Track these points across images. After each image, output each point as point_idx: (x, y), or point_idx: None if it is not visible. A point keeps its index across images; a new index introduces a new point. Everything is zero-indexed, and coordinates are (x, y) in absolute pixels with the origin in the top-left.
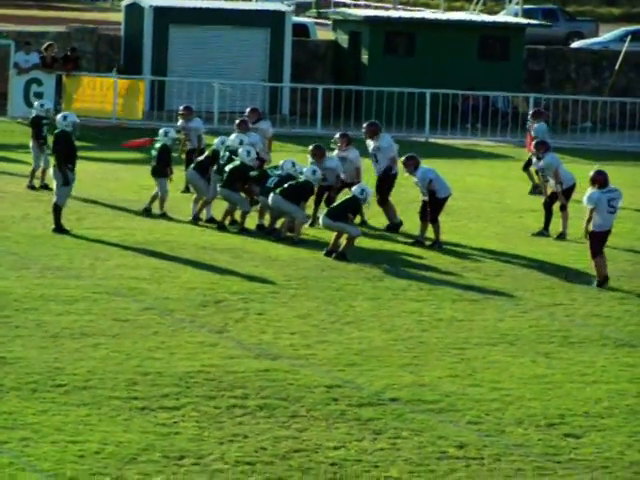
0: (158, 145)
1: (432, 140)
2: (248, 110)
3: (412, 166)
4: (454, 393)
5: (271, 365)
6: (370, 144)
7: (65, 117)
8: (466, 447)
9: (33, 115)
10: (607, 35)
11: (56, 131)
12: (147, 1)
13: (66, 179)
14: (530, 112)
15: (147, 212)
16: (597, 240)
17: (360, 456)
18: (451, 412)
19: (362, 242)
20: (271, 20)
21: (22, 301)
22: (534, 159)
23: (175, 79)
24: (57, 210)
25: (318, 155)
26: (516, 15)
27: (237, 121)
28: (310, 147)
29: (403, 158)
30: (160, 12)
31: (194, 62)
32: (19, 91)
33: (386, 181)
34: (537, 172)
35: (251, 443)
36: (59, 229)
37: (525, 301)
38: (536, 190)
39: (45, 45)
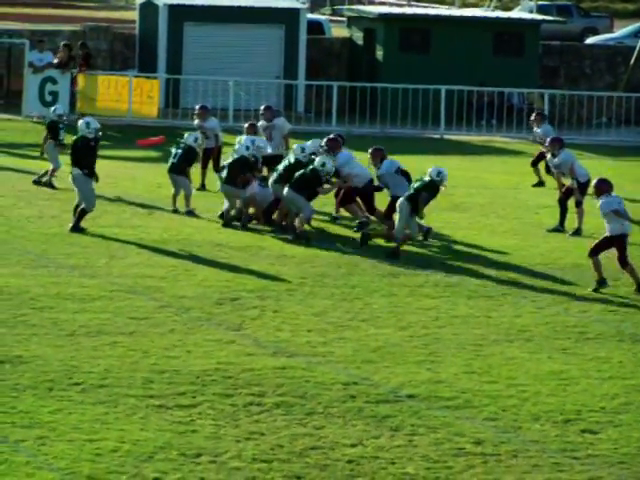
0: (184, 145)
1: (447, 137)
2: (262, 108)
3: (378, 158)
4: (471, 390)
5: (288, 362)
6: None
7: (88, 124)
8: (483, 443)
9: (49, 120)
10: (622, 31)
11: (76, 137)
12: None
13: (95, 177)
14: (532, 118)
15: (175, 212)
16: (623, 243)
17: (377, 453)
18: (468, 409)
19: (377, 239)
20: (286, 17)
21: (38, 300)
22: (549, 156)
23: (190, 77)
24: (83, 214)
25: (332, 148)
26: (531, 11)
27: (246, 125)
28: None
29: (370, 149)
30: (175, 10)
31: (209, 60)
32: (34, 90)
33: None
34: (548, 169)
35: (268, 441)
36: (77, 229)
37: (541, 297)
38: (540, 186)
39: (62, 44)
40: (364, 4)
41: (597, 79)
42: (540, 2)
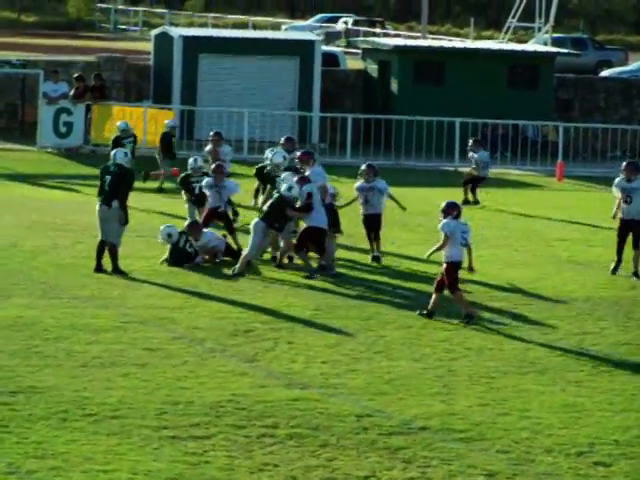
0: (113, 168)
1: (462, 169)
2: (283, 140)
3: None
4: (484, 422)
5: (301, 394)
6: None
7: (126, 154)
8: (496, 476)
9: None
10: (637, 63)
11: (120, 168)
12: (177, 31)
13: (126, 217)
14: (469, 142)
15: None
16: (453, 271)
17: None
18: (481, 441)
19: (390, 271)
20: (300, 49)
21: (51, 330)
22: (617, 180)
23: (205, 109)
24: (114, 250)
25: (306, 161)
26: (545, 44)
27: (282, 140)
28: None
29: (299, 153)
30: (190, 42)
31: (223, 92)
32: (49, 121)
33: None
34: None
35: (281, 472)
36: (118, 270)
37: (554, 330)
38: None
39: (75, 76)
40: (379, 36)
41: (612, 112)
42: (555, 35)
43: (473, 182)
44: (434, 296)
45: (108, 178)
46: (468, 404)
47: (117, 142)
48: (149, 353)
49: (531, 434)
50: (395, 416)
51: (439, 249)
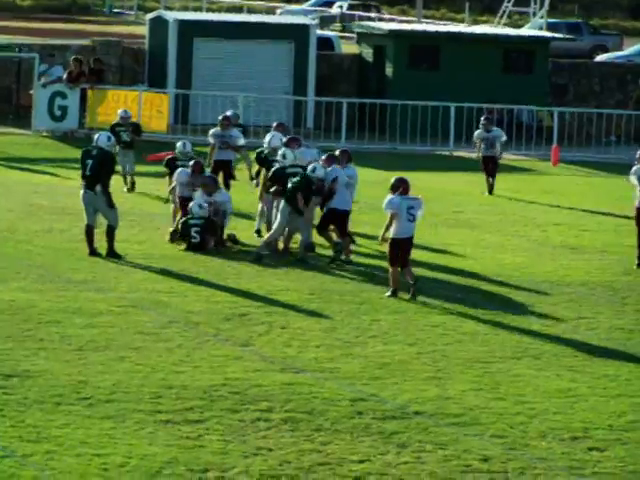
0: (96, 150)
1: (456, 154)
2: (274, 125)
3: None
4: (478, 407)
5: (295, 378)
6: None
7: (109, 138)
8: (490, 460)
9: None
10: (632, 48)
11: (101, 152)
12: (171, 14)
13: (111, 202)
14: (482, 121)
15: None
16: (394, 248)
17: (384, 470)
18: (475, 425)
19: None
20: (295, 33)
21: (46, 314)
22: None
23: (199, 92)
24: (112, 233)
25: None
26: (540, 29)
27: (275, 124)
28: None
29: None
30: (184, 25)
31: (218, 76)
32: (43, 104)
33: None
34: None
35: (275, 456)
36: (113, 254)
37: (549, 315)
38: None
39: (73, 58)
40: (374, 20)
41: (606, 97)
42: (550, 20)
43: (495, 166)
44: (390, 271)
45: (89, 162)
46: (462, 389)
47: (113, 129)
48: (143, 337)
49: (525, 419)
50: (389, 400)
51: (387, 228)
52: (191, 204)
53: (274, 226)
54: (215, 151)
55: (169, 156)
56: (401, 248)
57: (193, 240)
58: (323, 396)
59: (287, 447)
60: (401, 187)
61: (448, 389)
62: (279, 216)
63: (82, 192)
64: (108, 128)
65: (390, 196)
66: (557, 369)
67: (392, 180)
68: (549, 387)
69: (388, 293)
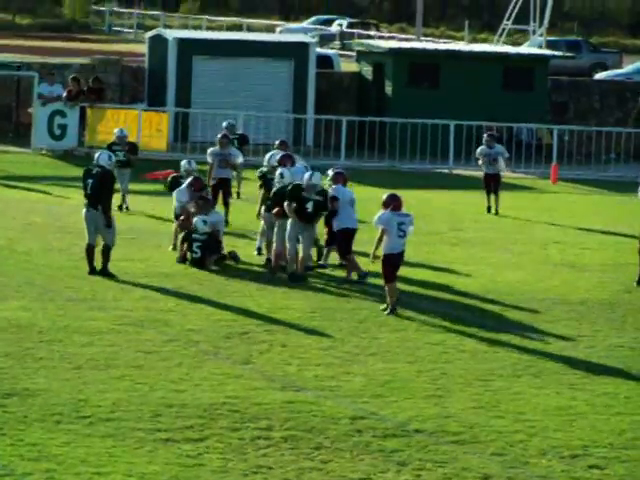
0: (96, 169)
1: (456, 172)
2: (277, 143)
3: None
4: (478, 424)
5: (296, 397)
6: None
7: (110, 157)
8: (490, 478)
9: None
10: (631, 66)
11: (102, 171)
12: (171, 33)
13: (110, 221)
14: (485, 138)
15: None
16: (388, 264)
17: None
18: (475, 443)
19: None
20: (295, 52)
21: (46, 333)
22: None
23: (199, 111)
24: (107, 252)
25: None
26: (540, 46)
27: (277, 142)
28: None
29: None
30: (184, 44)
31: (218, 94)
32: (43, 122)
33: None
34: None
35: (275, 475)
36: (107, 273)
37: (549, 332)
38: None
39: (71, 77)
40: (373, 39)
41: (606, 114)
42: (549, 37)
43: (496, 183)
44: (386, 289)
45: (90, 182)
46: (462, 407)
47: (109, 148)
48: (144, 355)
49: (525, 437)
50: (390, 418)
51: (378, 244)
52: (195, 219)
53: (288, 245)
54: (214, 169)
55: (172, 175)
56: (395, 263)
57: (194, 255)
58: (323, 414)
59: (287, 465)
60: (392, 204)
61: (448, 407)
62: (290, 230)
63: (84, 211)
64: (105, 147)
65: (381, 212)
66: (557, 387)
67: (384, 197)
68: (549, 405)
69: (387, 310)
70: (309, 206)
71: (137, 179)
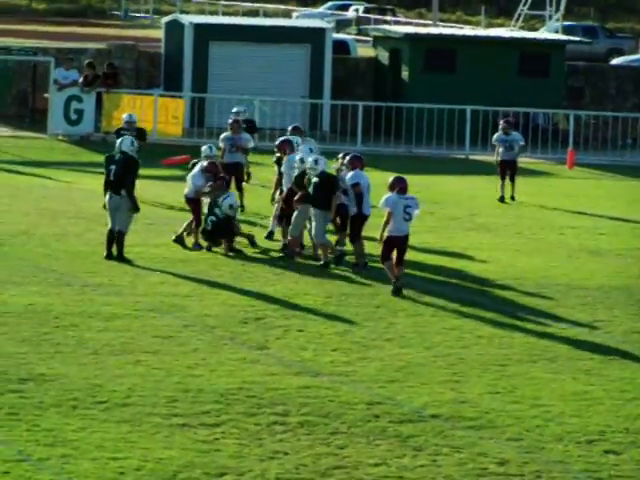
0: (118, 155)
1: (472, 157)
2: (290, 128)
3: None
4: (494, 410)
5: (312, 382)
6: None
7: (132, 142)
8: (507, 464)
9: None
10: None
11: (125, 157)
12: (187, 18)
13: (136, 205)
14: (501, 125)
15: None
16: (388, 245)
17: (401, 473)
18: (491, 429)
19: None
20: (311, 37)
21: (62, 318)
22: None
23: (215, 96)
24: (121, 238)
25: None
26: (556, 32)
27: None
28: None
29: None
30: (200, 29)
31: (234, 79)
32: (59, 108)
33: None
34: None
35: (292, 460)
36: (123, 258)
37: (565, 318)
38: None
39: (86, 62)
40: (390, 24)
41: (622, 100)
42: (566, 23)
43: (513, 169)
44: (386, 266)
45: (113, 167)
46: (479, 392)
47: (117, 133)
48: (160, 341)
49: (542, 422)
50: (406, 404)
51: (385, 226)
52: (223, 198)
53: (314, 231)
54: (226, 154)
55: (192, 161)
56: (396, 246)
57: (206, 227)
58: (339, 399)
59: (303, 451)
60: (398, 186)
61: (464, 392)
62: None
63: (107, 197)
64: (114, 132)
65: (387, 194)
66: (573, 372)
67: (390, 179)
68: (565, 390)
69: (392, 287)
70: (310, 188)
71: (153, 165)
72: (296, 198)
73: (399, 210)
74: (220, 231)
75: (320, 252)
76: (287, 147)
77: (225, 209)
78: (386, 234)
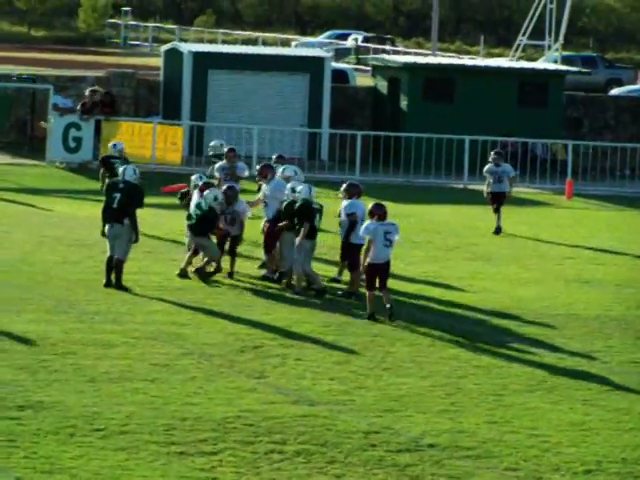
0: (122, 184)
1: (471, 187)
2: (274, 157)
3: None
4: (492, 439)
5: (309, 411)
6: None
7: (135, 170)
8: None
9: (103, 155)
10: None
11: (129, 185)
12: (186, 46)
13: (137, 236)
14: (492, 156)
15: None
16: (371, 273)
17: None
18: (489, 458)
19: (399, 287)
20: (310, 66)
21: (60, 345)
22: None
23: (214, 124)
24: (120, 266)
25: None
26: (555, 62)
27: (274, 157)
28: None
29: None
30: (199, 57)
31: (233, 107)
32: (58, 135)
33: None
34: None
35: None
36: (120, 286)
37: (563, 348)
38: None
39: (89, 90)
40: (389, 53)
41: (621, 130)
42: (565, 53)
43: (500, 201)
44: (369, 296)
45: (117, 196)
46: (476, 422)
47: (106, 161)
48: (158, 369)
49: (539, 452)
50: (403, 433)
51: (367, 254)
52: (207, 191)
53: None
54: (222, 183)
55: (183, 189)
56: (378, 274)
57: (191, 221)
58: (337, 428)
59: (301, 479)
60: (377, 213)
61: (462, 422)
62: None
63: (108, 226)
64: (99, 160)
65: (367, 222)
66: (570, 402)
67: (369, 206)
68: (563, 420)
69: (366, 316)
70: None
71: (152, 192)
72: (281, 225)
73: (379, 237)
74: (204, 224)
75: (295, 281)
76: (268, 172)
77: (210, 201)
78: (367, 261)
